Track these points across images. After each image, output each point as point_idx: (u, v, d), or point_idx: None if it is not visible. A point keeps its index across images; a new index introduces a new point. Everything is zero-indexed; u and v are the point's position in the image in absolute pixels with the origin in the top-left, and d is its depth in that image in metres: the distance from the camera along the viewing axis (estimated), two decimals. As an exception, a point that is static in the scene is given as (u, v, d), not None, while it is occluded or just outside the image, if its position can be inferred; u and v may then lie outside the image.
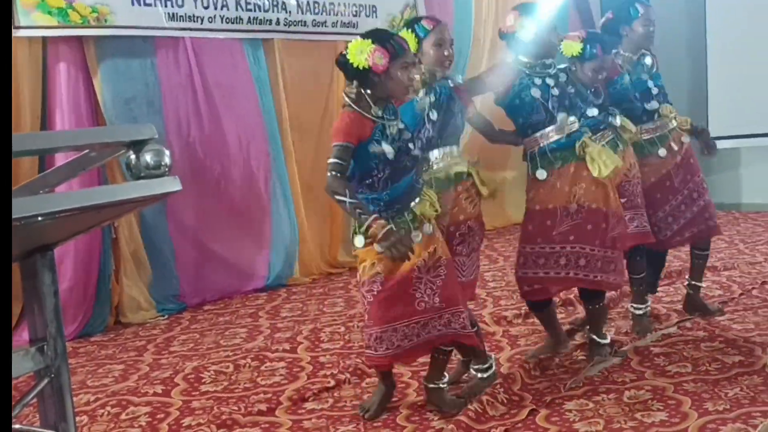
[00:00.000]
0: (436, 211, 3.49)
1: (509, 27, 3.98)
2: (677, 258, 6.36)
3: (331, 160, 3.29)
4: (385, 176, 3.36)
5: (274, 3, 6.39)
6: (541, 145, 3.94)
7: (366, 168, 3.35)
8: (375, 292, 3.41)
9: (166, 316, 5.72)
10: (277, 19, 6.42)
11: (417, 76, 3.50)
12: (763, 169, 9.24)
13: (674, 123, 4.63)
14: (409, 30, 3.68)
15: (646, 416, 3.34)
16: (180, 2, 5.81)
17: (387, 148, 3.32)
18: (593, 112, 4.15)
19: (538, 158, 3.94)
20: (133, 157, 1.94)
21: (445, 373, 3.68)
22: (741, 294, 5.14)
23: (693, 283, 4.84)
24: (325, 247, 6.98)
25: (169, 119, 5.83)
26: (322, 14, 6.68)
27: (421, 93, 3.67)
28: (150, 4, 5.66)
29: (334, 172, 3.27)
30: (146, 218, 5.75)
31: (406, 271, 3.39)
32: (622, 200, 4.18)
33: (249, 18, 6.26)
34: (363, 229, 3.32)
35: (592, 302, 4.12)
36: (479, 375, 3.82)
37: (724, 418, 3.25)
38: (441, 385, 3.64)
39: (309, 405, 3.78)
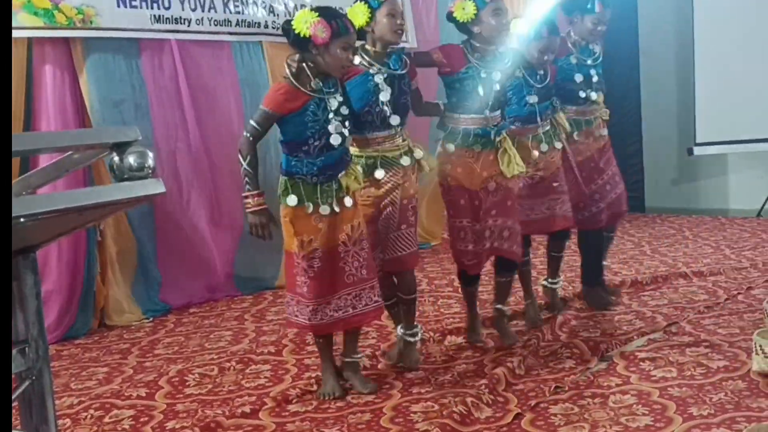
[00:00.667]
0: (359, 185, 3.73)
1: (464, 14, 4.08)
2: (663, 263, 6.39)
3: (251, 122, 3.59)
4: (321, 144, 3.58)
5: (263, 5, 6.38)
6: (467, 126, 4.15)
7: (301, 136, 3.56)
8: (315, 268, 3.63)
9: (151, 319, 5.68)
10: (266, 21, 6.41)
11: (355, 60, 3.71)
12: (749, 174, 9.28)
13: (602, 113, 4.94)
14: (362, 1, 3.82)
15: (631, 420, 3.34)
16: (167, 4, 5.77)
17: (331, 128, 3.57)
18: (533, 99, 4.47)
19: (461, 136, 4.17)
20: (116, 159, 1.94)
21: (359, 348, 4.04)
22: (727, 299, 5.16)
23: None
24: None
25: (157, 122, 5.80)
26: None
27: (374, 69, 3.83)
28: (136, 6, 5.62)
29: (248, 134, 3.57)
30: (132, 220, 5.71)
31: (334, 245, 3.64)
32: (554, 184, 4.62)
33: (237, 20, 6.24)
34: (303, 192, 3.58)
35: (508, 274, 4.52)
36: (406, 338, 4.17)
37: (709, 423, 3.26)
38: (357, 359, 3.98)
39: (293, 407, 3.77)
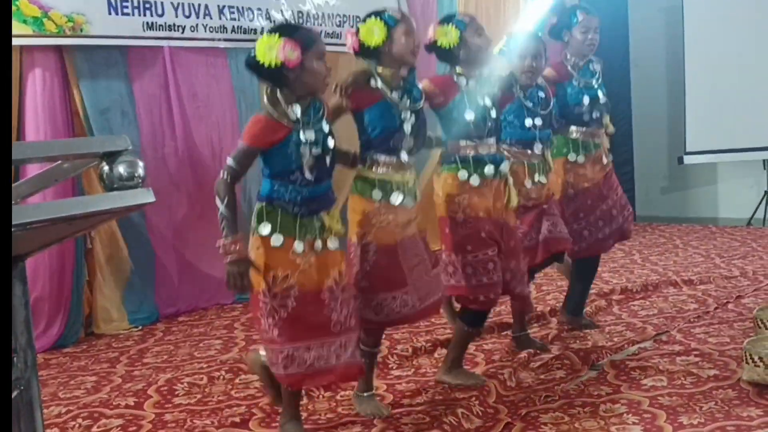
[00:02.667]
0: (342, 227, 3.39)
1: (448, 39, 3.88)
2: (654, 271, 6.40)
3: (229, 161, 3.21)
4: (308, 177, 3.23)
5: (260, 12, 6.37)
6: (476, 153, 3.90)
7: (284, 169, 3.22)
8: (289, 308, 3.22)
9: (140, 328, 5.66)
10: (263, 28, 6.38)
11: (371, 84, 3.50)
12: (739, 183, 9.31)
13: (605, 138, 4.83)
14: (378, 18, 3.56)
15: (621, 429, 3.34)
16: (160, 11, 5.76)
17: (306, 161, 3.21)
18: (532, 122, 4.33)
19: (472, 163, 3.89)
20: (106, 168, 1.93)
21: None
22: (717, 308, 5.17)
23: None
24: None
25: (144, 130, 5.78)
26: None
27: (395, 94, 3.60)
28: (128, 14, 5.60)
29: (225, 176, 3.20)
30: (121, 227, 5.68)
31: (318, 289, 3.26)
32: (544, 207, 4.43)
33: (233, 27, 6.22)
34: (279, 222, 3.21)
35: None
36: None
37: (699, 431, 3.26)
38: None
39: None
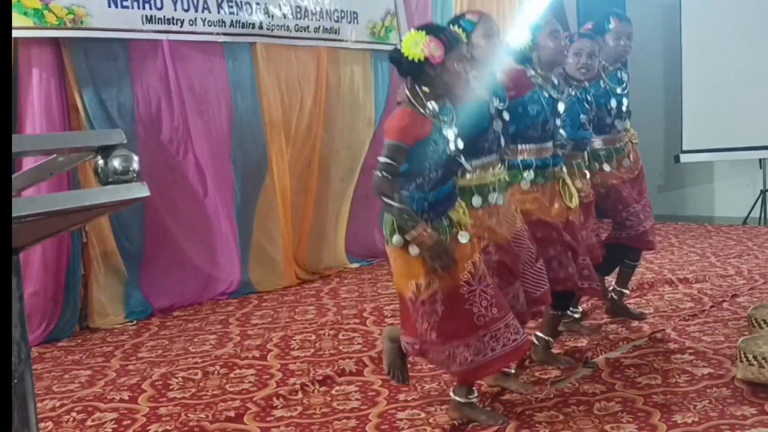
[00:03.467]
0: (468, 219, 3.39)
1: (519, 41, 3.91)
2: (649, 270, 6.40)
3: (383, 159, 3.17)
4: (436, 177, 3.26)
5: (259, 7, 6.36)
6: (526, 158, 3.91)
7: (420, 167, 3.23)
8: (439, 313, 3.28)
9: (135, 322, 5.65)
10: (261, 22, 6.38)
11: (473, 71, 3.42)
12: (735, 182, 9.32)
13: (631, 137, 4.84)
14: (455, 26, 3.55)
15: (615, 428, 3.34)
16: (159, 4, 5.75)
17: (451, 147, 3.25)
18: (584, 118, 4.31)
19: (521, 170, 3.90)
20: (101, 162, 1.93)
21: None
22: (712, 306, 5.17)
23: (619, 289, 5.05)
24: (300, 253, 6.94)
25: (143, 123, 5.77)
26: (304, 19, 6.65)
27: (482, 92, 3.57)
28: (127, 6, 5.59)
29: (384, 173, 3.16)
30: (117, 222, 5.68)
31: (456, 286, 3.28)
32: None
33: (231, 21, 6.21)
34: (395, 227, 3.23)
35: (563, 308, 4.28)
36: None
37: (693, 430, 3.27)
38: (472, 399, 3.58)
39: (278, 412, 3.75)
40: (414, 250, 3.22)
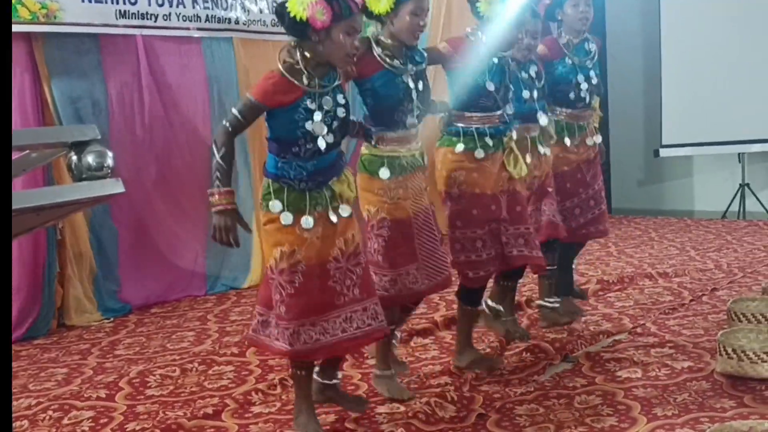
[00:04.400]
0: (352, 192, 3.32)
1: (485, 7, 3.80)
2: (629, 264, 6.41)
3: (233, 111, 3.09)
4: (313, 147, 3.13)
5: (234, 1, 6.30)
6: (480, 126, 3.86)
7: (291, 135, 3.10)
8: (296, 284, 3.13)
9: (112, 319, 5.60)
10: (238, 17, 6.33)
11: (358, 45, 3.22)
12: (715, 177, 9.35)
13: (595, 119, 4.78)
14: None
15: (596, 421, 3.33)
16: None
17: (317, 128, 3.10)
18: (526, 94, 4.26)
19: (477, 137, 3.85)
20: (75, 158, 1.90)
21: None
22: (691, 300, 5.17)
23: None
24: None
25: (115, 119, 5.71)
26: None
27: (396, 62, 3.51)
28: (101, 1, 5.52)
29: (227, 124, 3.09)
30: (92, 219, 5.62)
31: (324, 260, 3.17)
32: (549, 189, 4.46)
33: (207, 16, 6.16)
34: (287, 199, 3.12)
35: (515, 278, 4.34)
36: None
37: (673, 423, 3.26)
38: (338, 381, 3.59)
39: (256, 409, 3.72)
40: (287, 218, 3.11)
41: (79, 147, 1.89)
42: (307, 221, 3.13)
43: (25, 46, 5.23)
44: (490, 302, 4.48)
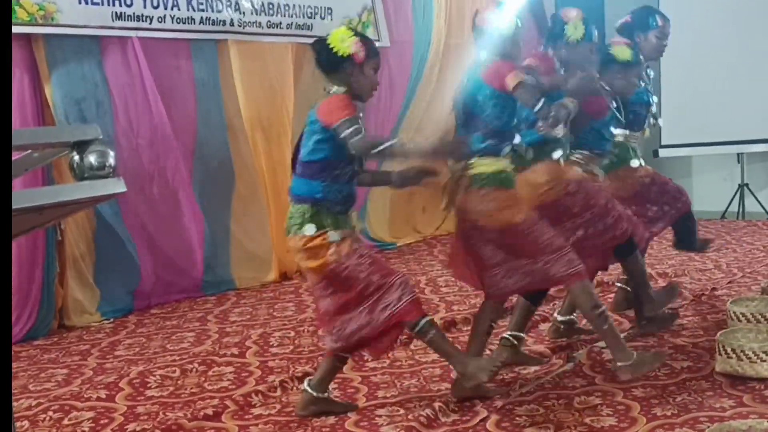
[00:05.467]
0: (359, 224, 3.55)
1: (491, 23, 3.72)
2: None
3: (350, 130, 3.22)
4: (351, 171, 3.39)
5: (228, 3, 6.30)
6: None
7: (340, 156, 3.33)
8: (372, 256, 3.44)
9: (112, 320, 5.61)
10: (231, 19, 6.33)
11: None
12: (713, 177, 9.36)
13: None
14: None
15: (595, 421, 3.34)
16: (128, 1, 5.67)
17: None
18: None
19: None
20: (76, 157, 1.90)
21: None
22: (691, 300, 5.17)
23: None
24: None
25: (119, 120, 5.72)
26: (276, 15, 6.60)
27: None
28: (98, 3, 5.51)
29: (360, 137, 3.23)
30: (93, 219, 5.62)
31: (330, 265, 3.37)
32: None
33: (201, 18, 6.15)
34: (309, 217, 3.35)
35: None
36: None
37: (672, 423, 3.26)
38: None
39: (256, 410, 3.72)
40: (335, 236, 3.35)
41: (81, 146, 1.89)
42: (335, 235, 3.36)
43: (24, 47, 5.23)
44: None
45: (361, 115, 3.34)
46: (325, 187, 3.34)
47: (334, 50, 3.32)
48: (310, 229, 3.34)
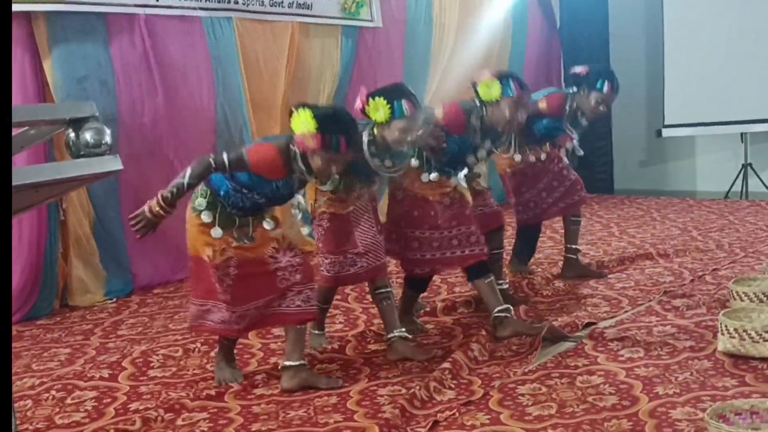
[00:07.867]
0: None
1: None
2: (631, 244, 6.41)
3: (225, 158, 3.49)
4: (268, 198, 3.65)
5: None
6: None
7: (256, 185, 3.55)
8: (231, 275, 3.60)
9: (114, 300, 5.61)
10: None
11: (336, 175, 3.83)
12: (717, 157, 9.35)
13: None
14: (387, 102, 3.73)
15: (598, 400, 3.34)
16: (137, -21, 5.65)
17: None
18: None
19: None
20: (72, 135, 1.89)
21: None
22: (693, 280, 5.17)
23: (571, 246, 5.44)
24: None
25: (122, 99, 5.69)
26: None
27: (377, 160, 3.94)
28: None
29: (212, 162, 3.50)
30: (95, 198, 5.61)
31: (260, 255, 3.62)
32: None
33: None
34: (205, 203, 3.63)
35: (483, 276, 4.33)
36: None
37: (674, 401, 3.26)
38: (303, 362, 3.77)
39: (258, 390, 3.73)
40: (216, 233, 3.59)
41: (77, 124, 1.88)
42: (229, 232, 3.62)
43: (25, 26, 5.18)
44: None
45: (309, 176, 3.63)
46: (233, 192, 3.59)
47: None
48: (206, 217, 3.61)
